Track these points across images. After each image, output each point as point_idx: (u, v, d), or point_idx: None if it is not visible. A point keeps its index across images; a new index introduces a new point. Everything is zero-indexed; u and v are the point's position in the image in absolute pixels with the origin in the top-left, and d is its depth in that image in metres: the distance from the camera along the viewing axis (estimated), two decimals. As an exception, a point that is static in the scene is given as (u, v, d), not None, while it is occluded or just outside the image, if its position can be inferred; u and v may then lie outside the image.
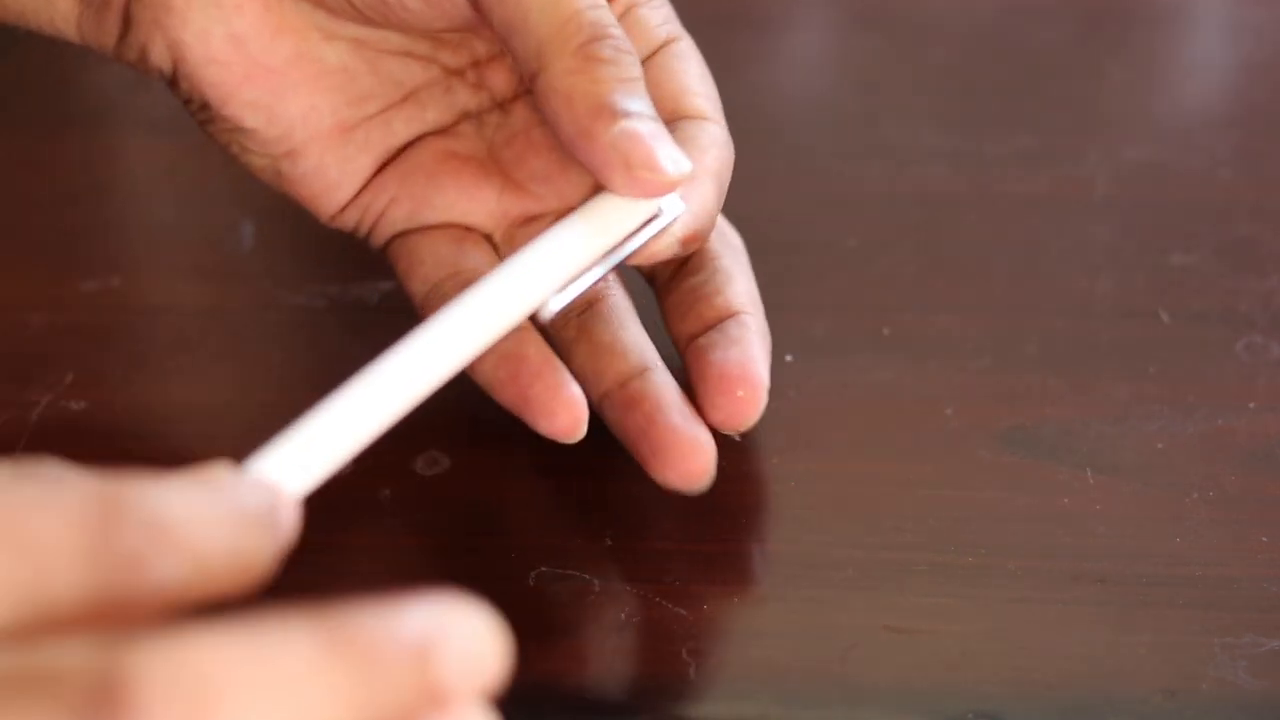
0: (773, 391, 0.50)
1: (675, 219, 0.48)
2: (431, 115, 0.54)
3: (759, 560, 0.50)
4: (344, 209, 0.54)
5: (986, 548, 0.50)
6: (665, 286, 0.53)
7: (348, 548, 0.50)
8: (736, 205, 0.52)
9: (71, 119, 0.69)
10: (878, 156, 0.65)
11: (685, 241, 0.49)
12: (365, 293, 0.59)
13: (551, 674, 0.46)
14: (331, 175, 0.53)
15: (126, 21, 0.52)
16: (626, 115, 0.46)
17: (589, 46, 0.47)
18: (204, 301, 0.59)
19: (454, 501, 0.51)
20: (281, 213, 0.58)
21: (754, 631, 0.47)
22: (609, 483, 0.51)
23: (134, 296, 0.59)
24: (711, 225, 0.50)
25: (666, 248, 0.49)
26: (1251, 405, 0.54)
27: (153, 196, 0.66)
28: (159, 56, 0.52)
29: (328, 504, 0.51)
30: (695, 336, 0.51)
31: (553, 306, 0.47)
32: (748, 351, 0.50)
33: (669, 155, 0.46)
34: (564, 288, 0.47)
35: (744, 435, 0.52)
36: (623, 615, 0.48)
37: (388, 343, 0.44)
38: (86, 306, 0.59)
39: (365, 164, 0.53)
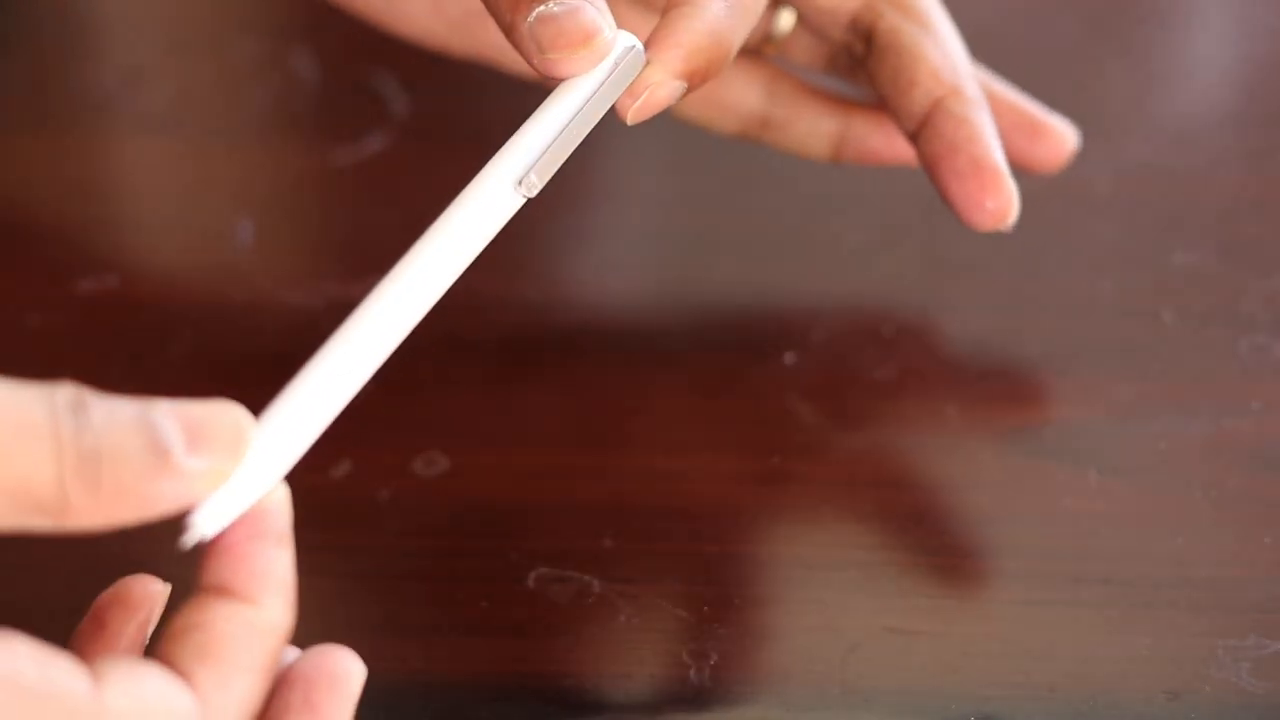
0: (773, 392, 0.49)
1: (646, 67, 0.45)
2: None
3: (759, 562, 0.49)
4: None
5: (988, 549, 0.50)
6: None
7: (347, 548, 0.50)
8: (737, 205, 0.52)
9: (71, 118, 0.69)
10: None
11: (688, 76, 0.46)
12: (364, 291, 0.59)
13: (551, 675, 0.46)
14: None
15: None
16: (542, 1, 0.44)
17: None
18: (203, 301, 0.59)
19: (453, 502, 0.51)
20: (281, 212, 0.58)
21: (754, 633, 0.47)
22: (609, 483, 0.51)
23: (132, 296, 0.59)
24: (719, 50, 0.46)
25: (667, 94, 0.45)
26: (1255, 405, 0.54)
27: (151, 195, 0.66)
28: None
29: (327, 504, 0.51)
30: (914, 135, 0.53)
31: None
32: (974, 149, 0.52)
33: (576, 27, 0.43)
34: (530, 170, 0.43)
35: (747, 436, 0.52)
36: (622, 617, 0.47)
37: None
38: (84, 306, 0.58)
39: None
